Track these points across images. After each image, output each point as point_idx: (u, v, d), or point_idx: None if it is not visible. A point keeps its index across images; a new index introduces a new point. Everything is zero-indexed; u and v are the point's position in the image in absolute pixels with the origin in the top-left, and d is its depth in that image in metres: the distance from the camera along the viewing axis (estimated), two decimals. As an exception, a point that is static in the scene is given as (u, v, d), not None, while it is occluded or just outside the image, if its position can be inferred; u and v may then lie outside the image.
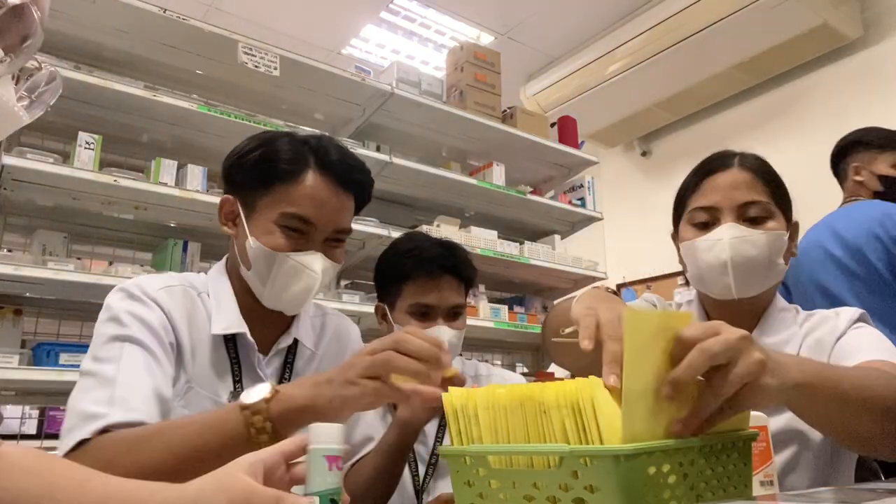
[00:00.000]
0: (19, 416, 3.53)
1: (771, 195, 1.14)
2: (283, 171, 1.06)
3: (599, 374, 0.65)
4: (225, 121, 2.48)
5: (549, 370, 3.44)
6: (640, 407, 0.63)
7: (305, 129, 2.60)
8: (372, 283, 3.44)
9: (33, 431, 4.20)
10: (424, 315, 1.39)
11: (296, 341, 1.15)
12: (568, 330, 0.84)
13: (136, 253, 2.77)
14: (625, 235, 4.90)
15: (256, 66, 2.54)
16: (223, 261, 1.16)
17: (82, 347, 2.24)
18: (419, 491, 1.36)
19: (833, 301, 2.06)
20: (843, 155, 2.35)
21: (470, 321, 1.89)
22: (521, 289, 3.66)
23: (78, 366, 2.17)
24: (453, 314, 1.41)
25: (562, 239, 3.56)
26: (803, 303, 1.34)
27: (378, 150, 2.92)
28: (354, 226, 2.92)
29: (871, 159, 2.27)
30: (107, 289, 1.07)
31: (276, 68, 2.58)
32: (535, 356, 3.72)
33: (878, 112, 3.85)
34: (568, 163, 3.69)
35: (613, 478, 0.58)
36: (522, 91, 4.98)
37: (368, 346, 0.83)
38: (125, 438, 0.87)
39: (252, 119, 2.57)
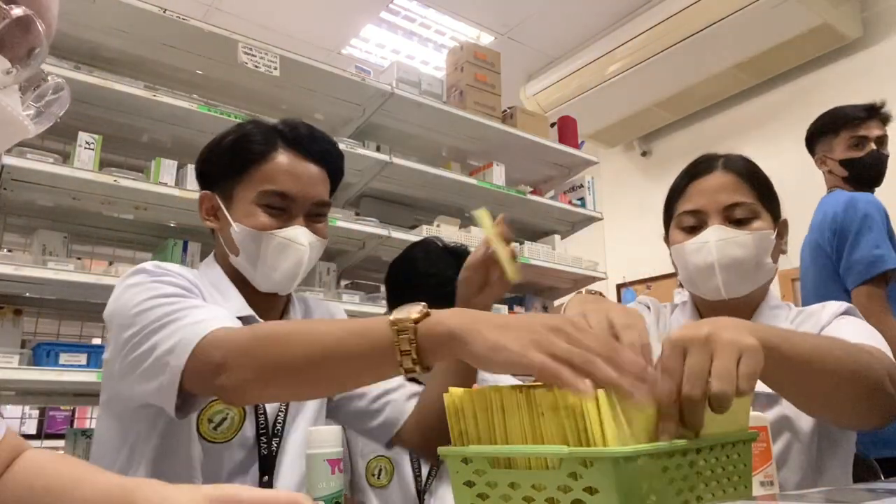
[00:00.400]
0: (19, 416, 3.54)
1: (756, 196, 1.16)
2: (255, 153, 1.10)
3: None
4: (225, 121, 2.48)
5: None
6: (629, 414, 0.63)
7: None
8: (372, 283, 3.43)
9: (33, 431, 4.21)
10: None
11: None
12: None
13: (136, 253, 2.77)
14: (625, 235, 4.90)
15: (256, 66, 2.54)
16: (210, 256, 1.18)
17: (82, 347, 2.24)
18: (421, 492, 1.36)
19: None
20: (811, 150, 2.35)
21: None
22: (521, 289, 3.66)
23: (78, 366, 2.18)
24: None
25: (562, 239, 3.56)
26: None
27: (378, 150, 2.92)
28: (354, 226, 2.94)
29: (829, 146, 2.26)
30: (107, 289, 1.07)
31: (276, 68, 2.58)
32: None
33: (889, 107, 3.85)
34: (568, 163, 3.69)
35: (613, 479, 0.58)
36: (522, 91, 4.98)
37: (572, 322, 0.67)
38: (271, 329, 0.86)
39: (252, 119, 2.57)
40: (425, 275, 1.44)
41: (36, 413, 4.26)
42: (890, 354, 0.96)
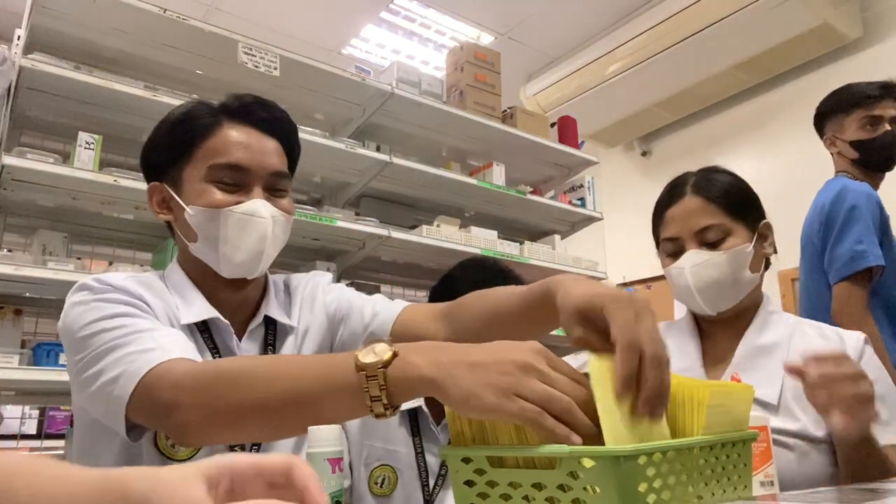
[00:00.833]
0: (19, 416, 3.54)
1: (726, 213, 1.21)
2: (200, 128, 1.02)
3: None
4: (225, 121, 2.48)
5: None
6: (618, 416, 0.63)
7: (305, 129, 2.60)
8: (372, 283, 3.43)
9: (33, 431, 4.20)
10: None
11: (272, 320, 1.09)
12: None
13: (136, 253, 2.77)
14: (625, 235, 4.89)
15: (256, 66, 2.54)
16: (174, 260, 1.11)
17: (82, 347, 2.24)
18: (428, 501, 1.36)
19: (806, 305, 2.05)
20: (820, 131, 2.21)
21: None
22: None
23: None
24: None
25: (562, 239, 3.56)
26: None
27: (378, 150, 2.92)
28: (354, 226, 2.93)
29: (839, 127, 2.12)
30: (108, 289, 1.05)
31: (276, 68, 2.58)
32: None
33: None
34: (568, 163, 3.69)
35: (613, 479, 0.58)
36: (522, 91, 4.98)
37: (544, 356, 0.66)
38: (226, 368, 0.80)
39: (252, 119, 2.56)
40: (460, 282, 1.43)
41: (36, 413, 4.25)
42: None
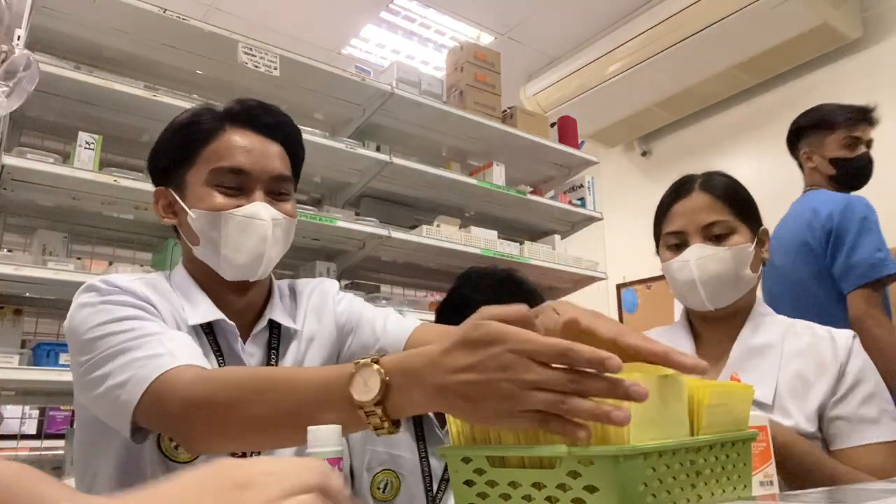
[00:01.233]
0: (19, 416, 3.54)
1: (732, 212, 1.25)
2: (203, 133, 1.04)
3: None
4: (225, 121, 2.48)
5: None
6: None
7: (305, 129, 2.61)
8: (372, 283, 3.43)
9: (33, 431, 4.21)
10: None
11: (276, 324, 1.10)
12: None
13: (136, 253, 2.77)
14: (625, 235, 4.89)
15: (256, 66, 2.54)
16: (180, 263, 1.13)
17: (82, 347, 2.24)
18: None
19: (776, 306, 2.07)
20: (796, 141, 2.31)
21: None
22: (521, 289, 3.65)
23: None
24: None
25: (562, 239, 3.56)
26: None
27: (378, 150, 2.92)
28: (354, 226, 2.93)
29: (819, 143, 2.23)
30: (107, 289, 1.05)
31: (276, 68, 2.58)
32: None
33: (878, 112, 3.85)
34: (568, 163, 3.69)
35: (613, 478, 0.58)
36: (522, 91, 4.98)
37: (524, 343, 0.60)
38: (235, 383, 0.80)
39: (252, 119, 2.56)
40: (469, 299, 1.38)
41: (36, 413, 4.26)
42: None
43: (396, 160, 2.89)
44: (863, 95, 3.97)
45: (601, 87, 4.55)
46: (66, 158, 2.26)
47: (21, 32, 2.45)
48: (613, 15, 4.41)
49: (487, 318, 0.63)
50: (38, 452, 2.99)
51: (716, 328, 1.28)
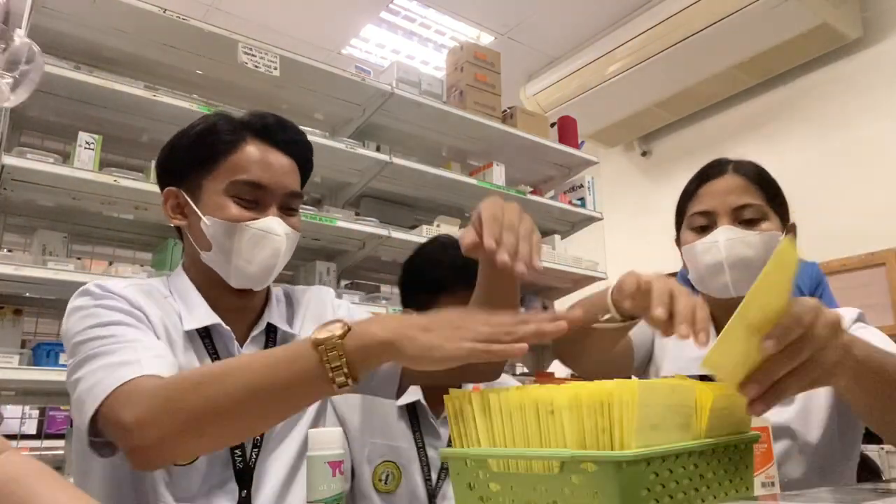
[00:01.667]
0: (19, 416, 3.53)
1: (765, 198, 1.19)
2: (224, 143, 1.05)
3: (616, 371, 0.67)
4: (225, 121, 2.47)
5: (549, 370, 3.44)
6: (735, 344, 0.66)
7: (305, 129, 2.60)
8: (372, 283, 3.42)
9: (33, 431, 4.20)
10: None
11: (274, 328, 1.12)
12: (606, 316, 0.95)
13: (136, 253, 2.77)
14: (625, 235, 4.90)
15: (256, 66, 2.54)
16: (179, 265, 1.14)
17: (82, 348, 2.24)
18: (432, 495, 1.36)
19: None
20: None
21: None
22: (520, 288, 3.65)
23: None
24: None
25: (562, 239, 3.56)
26: None
27: (378, 150, 2.92)
28: (354, 226, 2.93)
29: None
30: (108, 289, 1.06)
31: (276, 68, 2.58)
32: (534, 355, 3.72)
33: (878, 112, 3.85)
34: (568, 163, 3.69)
35: (615, 483, 0.58)
36: (522, 91, 4.97)
37: (486, 320, 0.76)
38: (187, 377, 0.83)
39: (252, 119, 2.57)
40: (442, 262, 1.36)
41: (36, 413, 4.25)
42: None
43: (396, 160, 2.89)
44: (863, 95, 3.98)
45: (601, 87, 4.55)
46: (66, 158, 2.26)
47: (21, 32, 2.45)
48: (613, 15, 4.41)
49: None
50: (38, 452, 2.98)
51: (725, 318, 1.24)
